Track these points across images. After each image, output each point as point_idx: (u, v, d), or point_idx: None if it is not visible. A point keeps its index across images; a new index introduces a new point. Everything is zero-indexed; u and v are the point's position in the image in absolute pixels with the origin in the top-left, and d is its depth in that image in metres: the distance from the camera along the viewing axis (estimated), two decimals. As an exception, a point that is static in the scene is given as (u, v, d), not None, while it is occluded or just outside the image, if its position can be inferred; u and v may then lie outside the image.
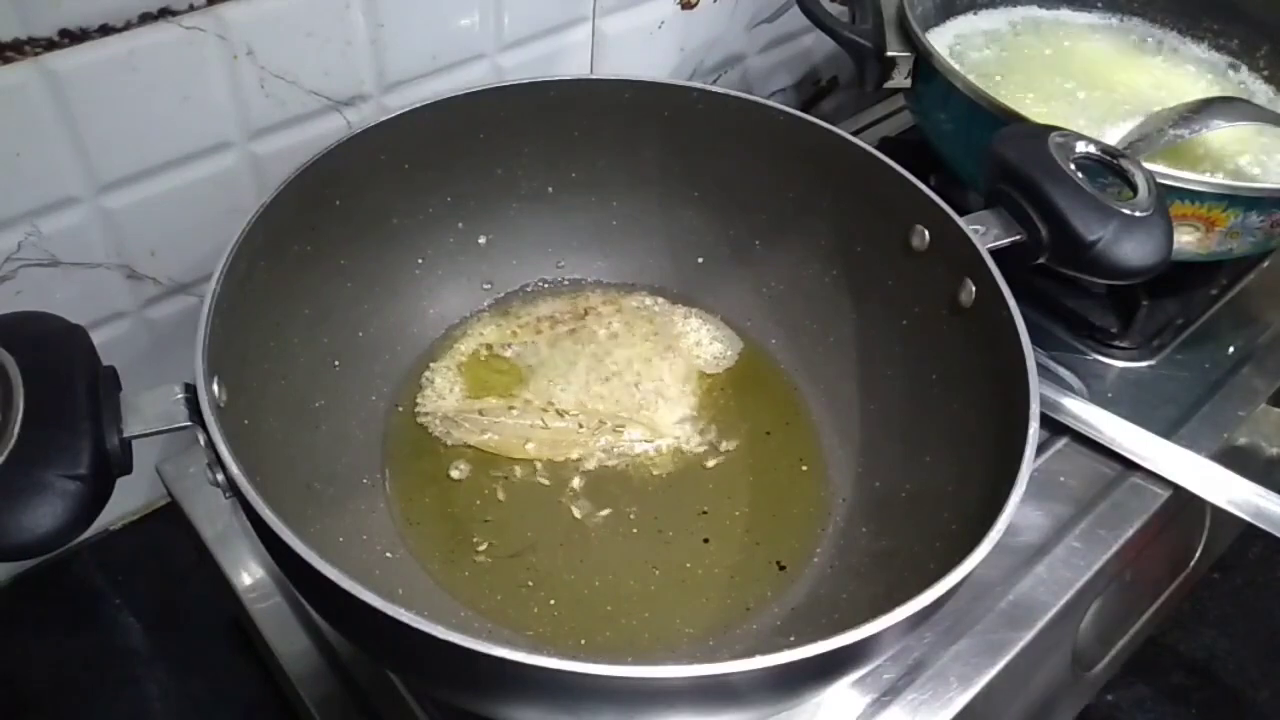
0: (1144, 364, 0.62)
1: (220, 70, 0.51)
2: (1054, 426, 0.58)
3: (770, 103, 0.54)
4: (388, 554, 0.48)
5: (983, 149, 0.50)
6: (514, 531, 0.49)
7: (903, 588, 0.34)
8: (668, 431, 0.54)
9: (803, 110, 0.54)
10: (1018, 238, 0.47)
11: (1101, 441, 0.57)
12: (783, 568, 0.49)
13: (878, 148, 0.51)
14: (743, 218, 0.58)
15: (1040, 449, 0.54)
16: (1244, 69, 0.74)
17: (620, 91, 0.55)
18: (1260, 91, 0.73)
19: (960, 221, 0.47)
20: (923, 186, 0.49)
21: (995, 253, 0.46)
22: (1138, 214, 0.46)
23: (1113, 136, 0.64)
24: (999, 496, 0.37)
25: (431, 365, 0.55)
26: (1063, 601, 0.51)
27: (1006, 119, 0.56)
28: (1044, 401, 0.42)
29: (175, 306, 0.57)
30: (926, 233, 0.49)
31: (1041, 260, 0.48)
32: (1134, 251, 0.46)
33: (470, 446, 0.52)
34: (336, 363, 0.51)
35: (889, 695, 0.47)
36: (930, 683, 0.47)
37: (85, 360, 0.36)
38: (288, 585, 0.49)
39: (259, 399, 0.43)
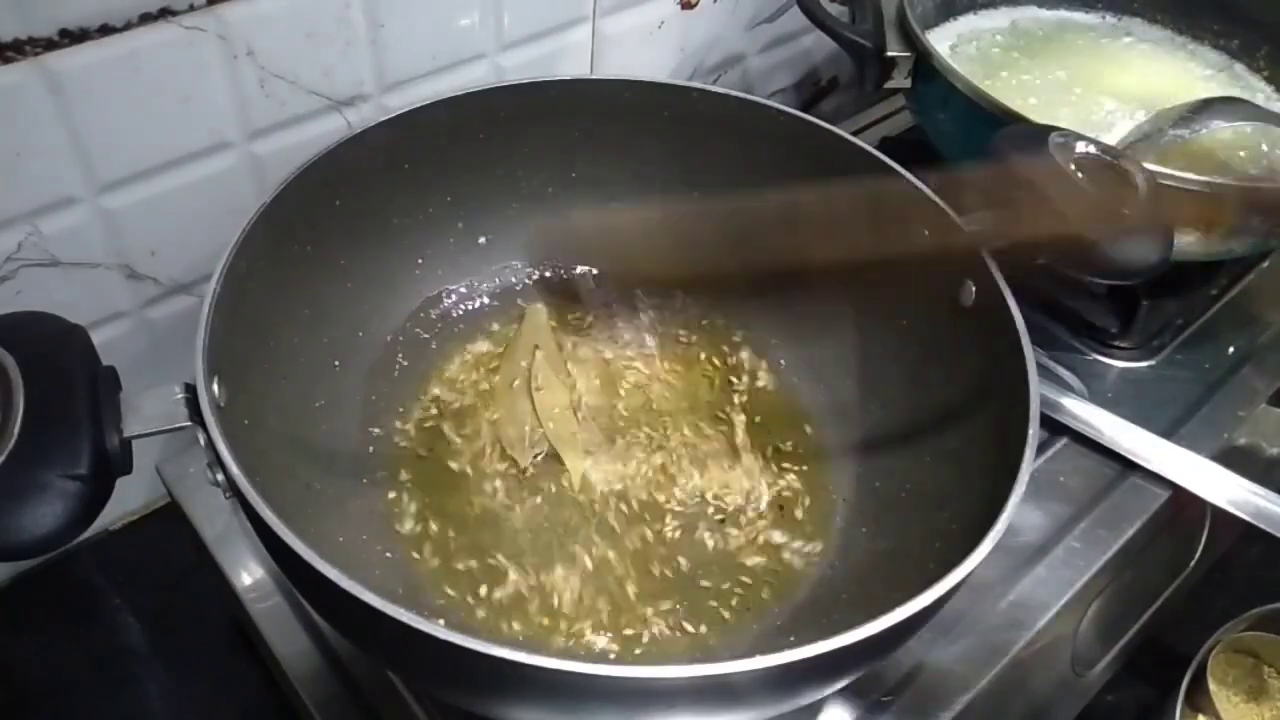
0: (1144, 364, 0.62)
1: (220, 70, 0.51)
2: (1054, 426, 0.58)
3: (770, 103, 0.54)
4: (388, 554, 0.48)
5: (983, 149, 0.50)
6: (514, 530, 0.49)
7: (903, 588, 0.34)
8: (669, 429, 0.54)
9: (803, 110, 0.54)
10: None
11: (1101, 441, 0.57)
12: (783, 568, 0.49)
13: (878, 148, 0.51)
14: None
15: (1040, 449, 0.54)
16: (1244, 69, 0.74)
17: (620, 91, 0.55)
18: (1260, 91, 0.73)
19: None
20: (923, 186, 0.49)
21: (995, 253, 0.46)
22: (1138, 214, 0.46)
23: (1113, 136, 0.64)
24: (999, 496, 0.37)
25: (432, 365, 0.55)
26: (1063, 601, 0.51)
27: (1006, 119, 0.56)
28: (1044, 401, 0.42)
29: (175, 306, 0.57)
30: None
31: (1042, 260, 0.48)
32: (1134, 252, 0.46)
33: (471, 445, 0.52)
34: (336, 363, 0.51)
35: (889, 695, 0.47)
36: (930, 683, 0.47)
37: (85, 360, 0.36)
38: (288, 585, 0.49)
39: (259, 399, 0.43)
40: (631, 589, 0.48)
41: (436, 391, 0.54)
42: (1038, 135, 0.49)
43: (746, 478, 0.52)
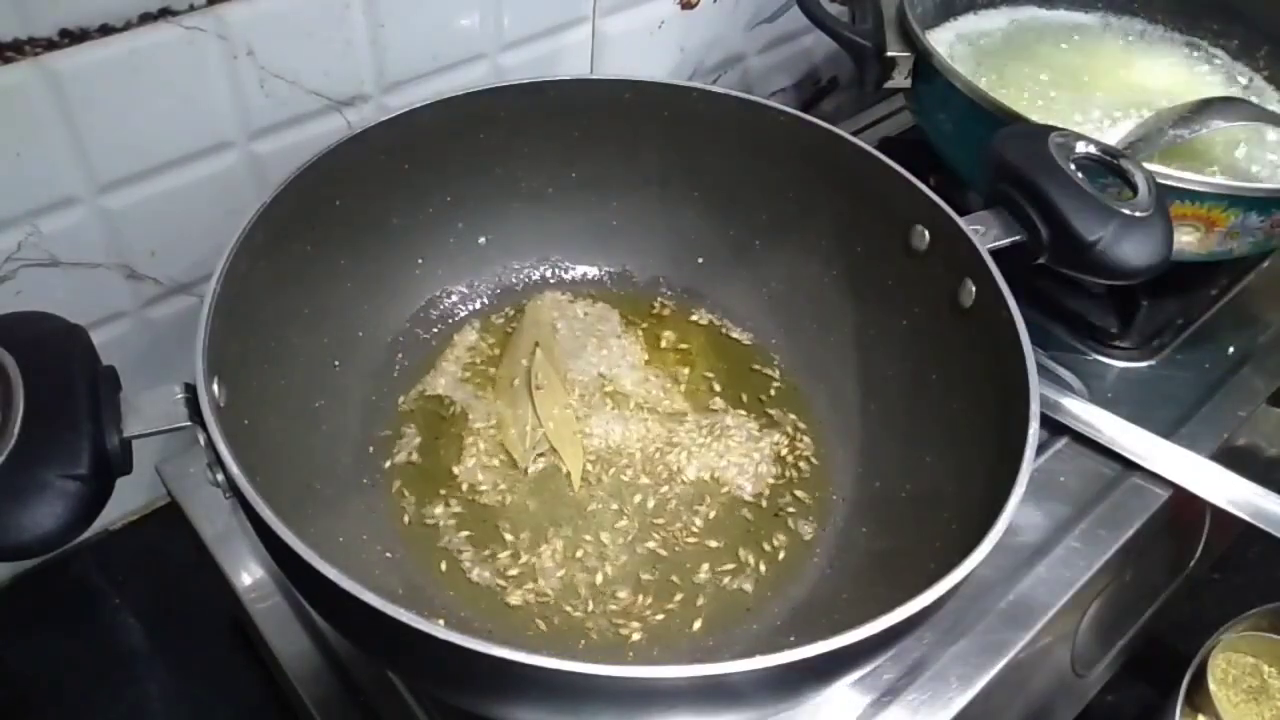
0: (1144, 364, 0.62)
1: (220, 70, 0.51)
2: (1054, 426, 0.58)
3: (770, 103, 0.54)
4: (388, 554, 0.48)
5: (983, 149, 0.50)
6: (514, 530, 0.49)
7: (903, 588, 0.34)
8: (669, 429, 0.54)
9: (803, 110, 0.54)
10: (1018, 238, 0.47)
11: (1101, 441, 0.57)
12: (782, 567, 0.49)
13: (878, 148, 0.51)
14: (743, 218, 0.58)
15: (1040, 449, 0.54)
16: (1244, 69, 0.74)
17: (620, 91, 0.55)
18: (1260, 91, 0.73)
19: (960, 221, 0.47)
20: (923, 186, 0.49)
21: (995, 253, 0.46)
22: (1138, 214, 0.46)
23: (1113, 136, 0.64)
24: (999, 496, 0.37)
25: (432, 364, 0.56)
26: (1063, 601, 0.51)
27: (1006, 119, 0.56)
28: (1044, 401, 0.42)
29: (175, 306, 0.57)
30: (926, 233, 0.49)
31: (1041, 260, 0.48)
32: (1134, 252, 0.46)
33: (470, 445, 0.52)
34: (336, 363, 0.51)
35: (889, 695, 0.47)
36: (930, 683, 0.47)
37: (85, 360, 0.36)
38: (288, 585, 0.49)
39: (259, 399, 0.43)
40: (630, 588, 0.48)
41: (436, 391, 0.54)
42: (1038, 135, 0.49)
43: (746, 478, 0.52)
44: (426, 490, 0.50)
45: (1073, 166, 0.47)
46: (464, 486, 0.51)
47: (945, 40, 0.72)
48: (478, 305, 0.59)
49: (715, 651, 0.46)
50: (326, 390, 0.50)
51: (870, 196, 0.52)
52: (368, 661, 0.47)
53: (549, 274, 0.60)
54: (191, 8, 0.48)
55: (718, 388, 0.56)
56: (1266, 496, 0.54)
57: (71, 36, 0.45)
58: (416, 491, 0.50)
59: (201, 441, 0.35)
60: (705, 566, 0.49)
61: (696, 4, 0.71)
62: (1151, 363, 0.62)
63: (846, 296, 0.55)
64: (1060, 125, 0.51)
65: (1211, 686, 0.59)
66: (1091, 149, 0.49)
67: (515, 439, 0.53)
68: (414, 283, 0.56)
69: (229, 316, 0.40)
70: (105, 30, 0.46)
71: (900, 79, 0.63)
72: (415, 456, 0.52)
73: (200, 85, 0.50)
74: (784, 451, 0.54)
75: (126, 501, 0.63)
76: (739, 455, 0.53)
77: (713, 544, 0.50)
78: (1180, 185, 0.54)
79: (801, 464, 0.53)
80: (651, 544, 0.49)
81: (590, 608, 0.47)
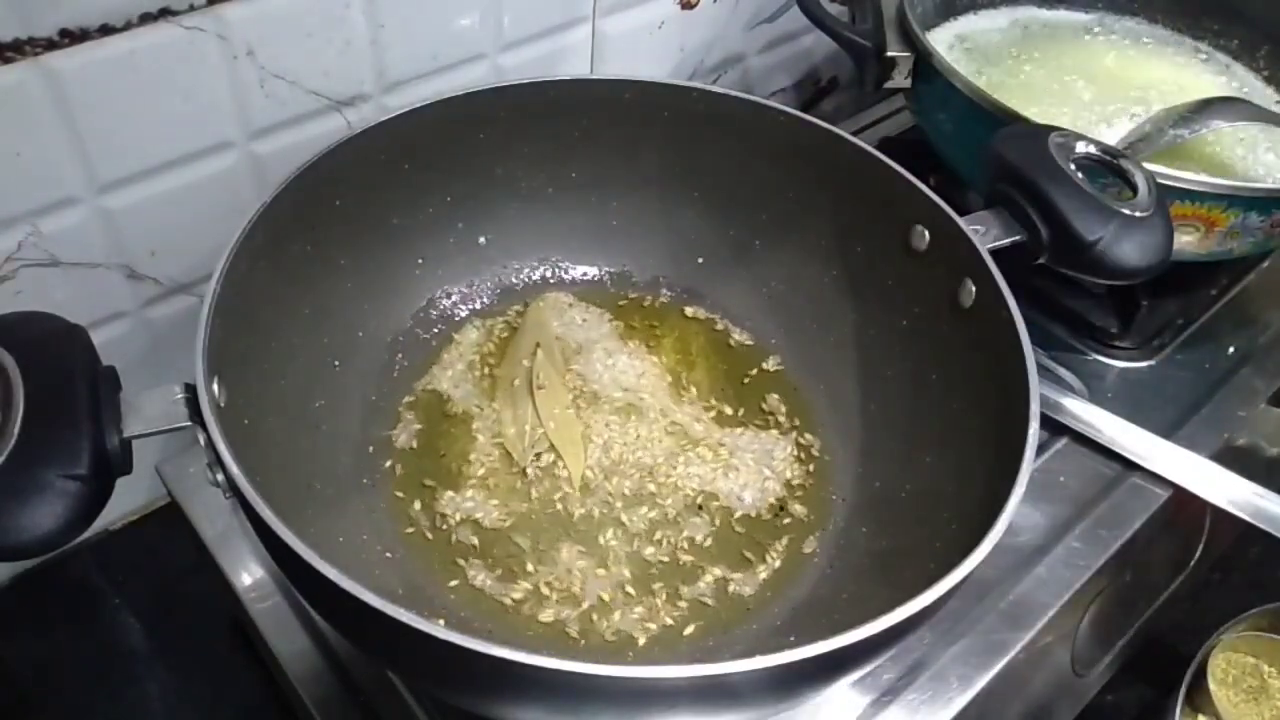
0: (1144, 364, 0.62)
1: (220, 70, 0.51)
2: (1054, 426, 0.58)
3: (770, 103, 0.54)
4: (388, 554, 0.48)
5: (983, 149, 0.50)
6: (513, 530, 0.49)
7: (903, 588, 0.34)
8: (669, 430, 0.54)
9: (803, 110, 0.54)
10: (1018, 238, 0.47)
11: (1101, 441, 0.57)
12: (782, 567, 0.49)
13: (878, 148, 0.51)
14: (743, 218, 0.58)
15: (1040, 449, 0.54)
16: (1244, 69, 0.74)
17: (620, 91, 0.55)
18: (1260, 91, 0.73)
19: (960, 221, 0.47)
20: (923, 186, 0.49)
21: (995, 253, 0.46)
22: (1138, 214, 0.46)
23: (1113, 136, 0.64)
24: (999, 496, 0.37)
25: (432, 364, 0.56)
26: (1063, 601, 0.51)
27: (1006, 119, 0.56)
28: (1044, 401, 0.42)
29: (175, 306, 0.57)
30: (926, 233, 0.49)
31: (1041, 260, 0.48)
32: (1134, 252, 0.46)
33: (470, 445, 0.52)
34: (336, 363, 0.51)
35: (889, 695, 0.47)
36: (930, 683, 0.47)
37: (85, 360, 0.36)
38: (288, 585, 0.49)
39: (259, 399, 0.43)
40: (629, 589, 0.48)
41: (437, 391, 0.54)
42: (1038, 135, 0.49)
43: (746, 479, 0.52)
44: (426, 490, 0.50)
45: (1073, 166, 0.47)
46: (464, 487, 0.51)
47: (945, 40, 0.72)
48: (478, 305, 0.59)
49: (715, 651, 0.46)
50: (326, 390, 0.50)
51: (870, 196, 0.52)
52: (368, 661, 0.47)
53: (549, 274, 0.60)
54: (191, 8, 0.48)
55: (717, 389, 0.56)
56: (1266, 496, 0.54)
57: (71, 36, 0.45)
58: (417, 491, 0.50)
59: (201, 441, 0.35)
60: (706, 569, 0.49)
61: (696, 4, 0.71)
62: (1151, 363, 0.62)
63: (846, 296, 0.55)
64: (1060, 125, 0.51)
65: (1211, 686, 0.59)
66: (1091, 149, 0.49)
67: (515, 438, 0.53)
68: (414, 283, 0.56)
69: (229, 316, 0.40)
70: (105, 30, 0.46)
71: (900, 79, 0.63)
72: (416, 449, 0.52)
73: (200, 85, 0.50)
74: (784, 452, 0.54)
75: (126, 501, 0.63)
76: (739, 456, 0.53)
77: (713, 547, 0.50)
78: (1180, 185, 0.54)
79: (801, 465, 0.53)
80: (652, 549, 0.49)
81: (590, 610, 0.47)
